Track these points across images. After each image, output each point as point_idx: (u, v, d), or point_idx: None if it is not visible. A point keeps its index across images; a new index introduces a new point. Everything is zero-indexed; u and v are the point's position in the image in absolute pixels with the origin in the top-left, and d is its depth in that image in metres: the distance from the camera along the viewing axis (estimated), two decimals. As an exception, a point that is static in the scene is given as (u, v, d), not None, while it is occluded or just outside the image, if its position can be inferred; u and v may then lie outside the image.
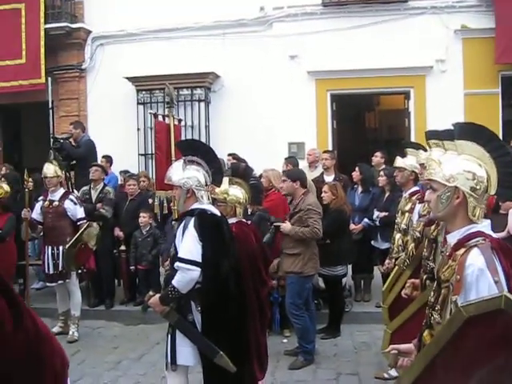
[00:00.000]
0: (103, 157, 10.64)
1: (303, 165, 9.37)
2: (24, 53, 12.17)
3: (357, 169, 8.75)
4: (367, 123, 17.07)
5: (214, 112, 11.87)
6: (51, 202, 7.73)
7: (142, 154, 12.03)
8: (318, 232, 6.42)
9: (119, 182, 10.62)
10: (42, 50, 12.08)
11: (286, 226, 6.51)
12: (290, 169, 8.25)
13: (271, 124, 11.24)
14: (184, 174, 4.37)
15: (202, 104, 11.83)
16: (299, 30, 11.34)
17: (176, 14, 11.80)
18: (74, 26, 12.48)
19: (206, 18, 11.77)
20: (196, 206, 4.35)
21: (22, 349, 1.83)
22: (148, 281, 8.73)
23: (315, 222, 6.41)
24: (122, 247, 8.99)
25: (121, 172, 10.62)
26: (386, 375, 5.93)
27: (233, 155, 9.51)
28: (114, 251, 9.08)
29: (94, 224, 7.94)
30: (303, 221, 6.44)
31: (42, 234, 7.99)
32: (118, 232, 8.97)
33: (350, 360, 6.74)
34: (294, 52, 11.44)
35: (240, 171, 5.39)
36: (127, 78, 11.88)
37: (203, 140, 10.60)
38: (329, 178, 8.79)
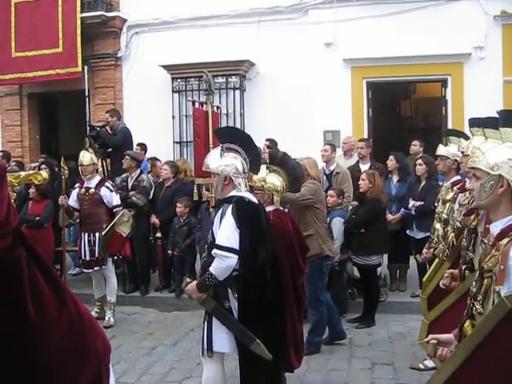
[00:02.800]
0: (138, 144, 10.72)
1: (338, 153, 9.29)
2: (61, 42, 12.28)
3: (392, 157, 8.61)
4: (403, 111, 16.91)
5: (249, 100, 11.84)
6: (87, 189, 7.82)
7: (177, 142, 12.08)
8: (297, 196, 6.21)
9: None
10: (79, 39, 12.16)
11: None
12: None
13: (306, 112, 11.16)
14: (222, 161, 4.38)
15: (237, 92, 11.80)
16: (335, 17, 11.21)
17: (211, 1, 11.79)
18: (109, 14, 12.53)
19: (241, 6, 11.72)
20: (234, 193, 4.36)
21: (65, 332, 1.85)
22: (182, 268, 8.80)
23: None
24: (158, 234, 9.07)
25: (148, 159, 10.64)
26: (421, 366, 5.88)
27: (270, 140, 9.49)
28: (150, 238, 9.16)
29: (126, 211, 8.00)
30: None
31: (78, 220, 8.11)
32: (154, 219, 9.02)
33: (384, 350, 6.69)
34: (329, 39, 11.32)
35: (278, 159, 5.36)
36: (162, 66, 11.90)
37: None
38: (364, 167, 8.73)
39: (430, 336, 2.92)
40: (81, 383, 1.90)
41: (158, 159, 10.32)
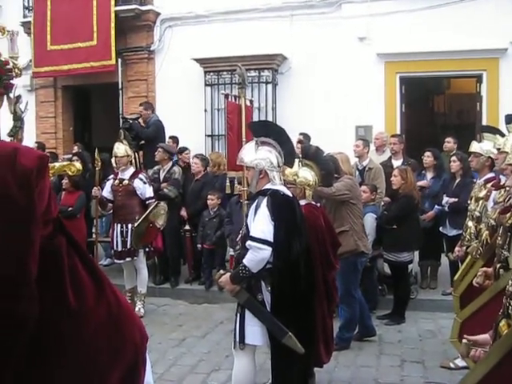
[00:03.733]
0: (170, 137, 10.77)
1: (371, 148, 9.22)
2: (95, 35, 12.36)
3: (430, 154, 8.55)
4: (436, 107, 16.69)
5: (281, 94, 11.79)
6: (121, 180, 7.91)
7: (208, 135, 12.10)
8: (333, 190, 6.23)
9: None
10: (113, 32, 12.22)
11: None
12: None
13: (339, 107, 11.10)
14: (256, 155, 4.39)
15: (270, 86, 11.76)
16: (368, 11, 11.09)
17: (244, -5, 11.78)
18: (143, 8, 12.57)
19: (273, 0, 11.68)
20: (268, 186, 4.37)
21: (102, 322, 1.87)
22: (212, 260, 8.83)
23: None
24: (187, 227, 9.11)
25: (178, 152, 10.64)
26: (452, 365, 5.82)
27: (303, 135, 9.47)
28: (180, 231, 9.22)
29: (162, 203, 8.06)
30: None
31: (110, 211, 8.20)
32: (182, 212, 9.08)
33: (414, 347, 6.65)
34: (362, 34, 11.22)
35: (310, 153, 5.36)
36: (195, 60, 11.92)
37: (270, 122, 10.54)
38: (397, 163, 8.67)
39: (467, 337, 2.87)
40: (115, 372, 1.92)
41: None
